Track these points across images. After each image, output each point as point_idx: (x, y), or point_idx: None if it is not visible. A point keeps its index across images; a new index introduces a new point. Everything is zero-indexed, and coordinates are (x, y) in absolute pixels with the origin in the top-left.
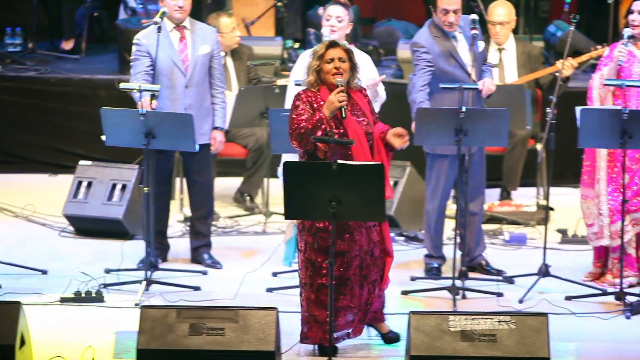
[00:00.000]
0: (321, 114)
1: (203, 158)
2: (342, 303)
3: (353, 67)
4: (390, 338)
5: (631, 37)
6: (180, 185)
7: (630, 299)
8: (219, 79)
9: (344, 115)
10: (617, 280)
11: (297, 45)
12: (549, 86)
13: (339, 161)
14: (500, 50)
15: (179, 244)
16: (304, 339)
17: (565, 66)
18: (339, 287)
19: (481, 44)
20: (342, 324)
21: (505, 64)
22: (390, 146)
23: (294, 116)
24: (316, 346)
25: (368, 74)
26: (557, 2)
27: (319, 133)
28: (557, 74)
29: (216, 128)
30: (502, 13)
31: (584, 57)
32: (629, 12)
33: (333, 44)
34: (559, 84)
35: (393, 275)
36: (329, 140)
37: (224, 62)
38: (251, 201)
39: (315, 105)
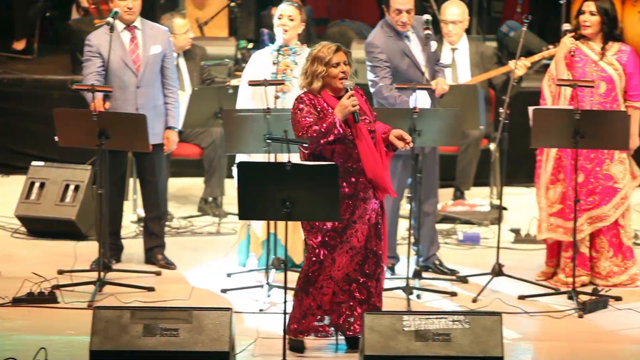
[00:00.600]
0: (334, 118)
1: (156, 158)
2: (341, 299)
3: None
4: (354, 341)
5: (570, 30)
6: (133, 185)
7: (582, 297)
8: (171, 79)
9: (357, 120)
10: (570, 280)
11: (250, 45)
12: (502, 86)
13: (293, 161)
14: (453, 50)
15: (133, 244)
16: (296, 332)
17: (518, 66)
18: (340, 285)
19: (434, 44)
20: (335, 320)
21: (458, 63)
22: (392, 146)
23: (301, 120)
24: (337, 346)
25: None
26: (509, 2)
27: (332, 136)
28: (510, 74)
29: (169, 128)
30: (454, 12)
31: (536, 57)
32: (580, 12)
33: (338, 49)
34: (511, 84)
35: None
36: (283, 140)
37: (176, 62)
38: (216, 205)
39: (319, 108)
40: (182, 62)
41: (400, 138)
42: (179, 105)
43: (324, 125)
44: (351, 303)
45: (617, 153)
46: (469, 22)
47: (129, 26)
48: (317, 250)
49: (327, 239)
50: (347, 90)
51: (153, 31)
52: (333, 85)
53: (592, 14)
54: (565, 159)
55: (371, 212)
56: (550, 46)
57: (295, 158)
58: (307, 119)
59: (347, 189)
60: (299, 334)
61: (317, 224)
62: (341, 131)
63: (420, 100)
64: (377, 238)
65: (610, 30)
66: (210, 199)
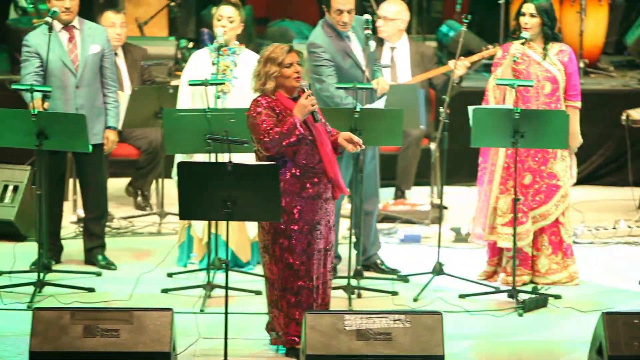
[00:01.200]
0: (294, 118)
1: (96, 158)
2: (316, 301)
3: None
4: None
5: (515, 59)
6: (73, 186)
7: (522, 296)
8: (110, 79)
9: (317, 119)
10: (511, 279)
11: (191, 45)
12: (442, 86)
13: (234, 161)
14: (392, 49)
15: (73, 245)
16: (289, 342)
17: (458, 66)
18: (317, 288)
19: (372, 44)
20: None
21: (398, 63)
22: (338, 148)
23: (259, 122)
24: (278, 347)
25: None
26: (449, 2)
27: (294, 137)
28: (450, 74)
29: (109, 127)
30: (387, 9)
31: (475, 57)
32: (520, 14)
33: (290, 49)
34: (452, 84)
35: None
36: (223, 140)
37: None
38: (143, 199)
39: (277, 110)
40: (122, 62)
41: (350, 141)
42: (118, 105)
43: (285, 126)
44: (323, 306)
45: (560, 151)
46: (409, 22)
47: (67, 26)
48: (285, 255)
49: (294, 243)
50: (304, 91)
51: (91, 30)
52: (287, 86)
53: (532, 15)
54: (512, 165)
55: (331, 214)
56: (490, 46)
57: (236, 158)
58: (267, 121)
59: (311, 189)
60: (291, 341)
61: (282, 228)
62: (302, 131)
63: (379, 102)
64: (333, 234)
65: (551, 31)
66: (138, 190)
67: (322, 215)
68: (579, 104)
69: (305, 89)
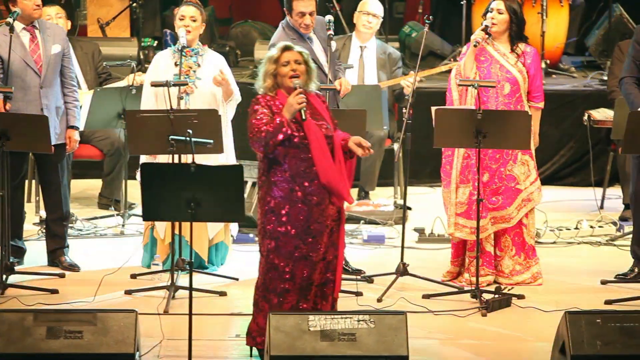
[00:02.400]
0: (282, 117)
1: (59, 159)
2: (305, 307)
3: (309, 71)
4: None
5: (487, 32)
6: (35, 187)
7: (486, 296)
8: (70, 78)
9: (304, 117)
10: (474, 279)
11: (155, 43)
12: (400, 92)
13: (197, 162)
14: (362, 47)
15: (36, 246)
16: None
17: (406, 85)
18: (303, 292)
19: (334, 44)
20: None
21: (366, 63)
22: (350, 154)
23: (254, 121)
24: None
25: (214, 73)
26: (411, 3)
27: (280, 136)
28: (404, 90)
29: (71, 127)
30: (376, 6)
31: (432, 71)
32: (488, 10)
33: (287, 47)
34: (410, 96)
35: (252, 275)
36: (186, 141)
37: None
38: (116, 203)
39: (274, 109)
40: (73, 58)
41: (360, 145)
42: (79, 104)
43: (272, 125)
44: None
45: (520, 154)
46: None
47: (28, 26)
48: (271, 256)
49: (280, 244)
50: (295, 89)
51: (51, 30)
52: (285, 85)
53: (500, 12)
54: (473, 157)
55: (329, 219)
56: (446, 61)
57: (198, 159)
58: (259, 120)
59: (299, 192)
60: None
61: (269, 228)
62: (289, 132)
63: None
64: (330, 245)
65: (519, 31)
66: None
67: (315, 220)
68: (541, 104)
69: (298, 87)
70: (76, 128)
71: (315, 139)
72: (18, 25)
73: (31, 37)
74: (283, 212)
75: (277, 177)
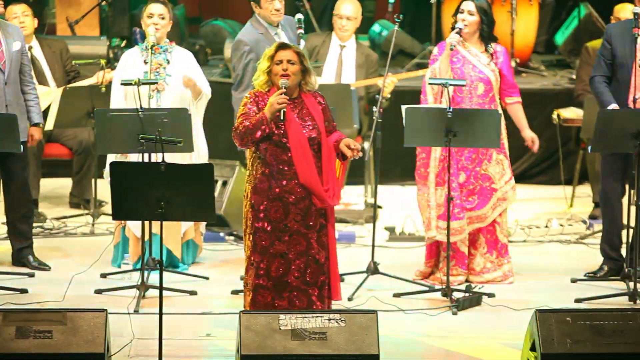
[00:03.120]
0: (262, 115)
1: (22, 156)
2: (280, 305)
3: (305, 70)
4: None
5: (452, 48)
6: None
7: (456, 295)
8: (29, 75)
9: (282, 118)
10: (457, 278)
11: (124, 43)
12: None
13: (167, 161)
14: (341, 47)
15: (3, 245)
16: None
17: (387, 84)
18: (277, 289)
19: (302, 43)
20: None
21: (345, 62)
22: (342, 155)
23: (239, 115)
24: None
25: (184, 73)
26: (381, 2)
27: (259, 133)
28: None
29: (35, 124)
30: (349, 8)
31: (405, 75)
32: (459, 11)
33: (284, 46)
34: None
35: (223, 274)
36: (156, 140)
37: (31, 55)
38: (87, 204)
39: (261, 105)
40: (40, 56)
41: (349, 147)
42: (39, 100)
43: (252, 122)
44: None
45: (495, 154)
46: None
47: None
48: (249, 251)
49: (257, 240)
50: (280, 89)
51: (10, 28)
52: (276, 83)
53: (470, 13)
54: (442, 166)
55: (312, 217)
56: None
57: (168, 158)
58: (243, 115)
59: (277, 189)
60: None
61: (248, 224)
62: (267, 130)
63: None
64: (319, 245)
65: (489, 31)
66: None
67: (292, 218)
68: (519, 98)
69: (283, 87)
70: (38, 125)
71: (295, 139)
72: None
73: None
74: (261, 207)
75: (258, 173)
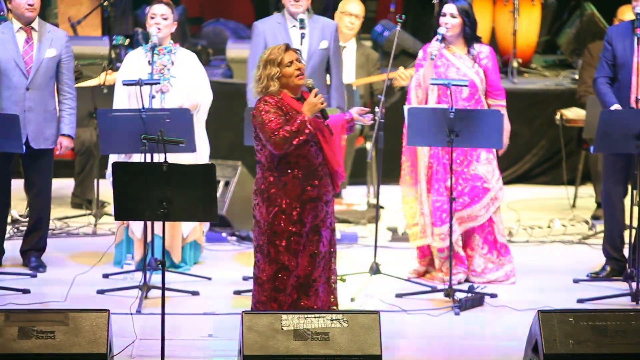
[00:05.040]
0: (303, 116)
1: (44, 163)
2: (306, 304)
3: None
4: None
5: (443, 39)
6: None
7: (459, 295)
8: (67, 85)
9: (326, 116)
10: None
11: (127, 42)
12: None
13: (170, 161)
14: (342, 48)
15: (7, 245)
16: None
17: (404, 76)
18: (305, 288)
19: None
20: None
21: (346, 62)
22: (350, 128)
23: (268, 122)
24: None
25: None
26: (383, 2)
27: (303, 136)
28: (392, 81)
29: (64, 135)
30: (357, 7)
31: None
32: (441, 14)
33: (287, 47)
34: (391, 89)
35: (226, 274)
36: (158, 140)
37: None
38: (90, 203)
39: (284, 109)
40: None
41: (361, 114)
42: (74, 112)
43: (295, 125)
44: (315, 308)
45: (484, 153)
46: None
47: (26, 26)
48: (281, 257)
49: (292, 245)
50: (310, 88)
51: (51, 34)
52: (291, 85)
53: (452, 16)
54: (436, 164)
55: (331, 216)
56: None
57: (170, 158)
58: (275, 120)
59: (312, 192)
60: None
61: (282, 227)
62: (312, 130)
63: None
64: (332, 242)
65: (472, 32)
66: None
67: (323, 217)
68: (503, 102)
69: (312, 86)
70: (69, 136)
71: (324, 135)
72: (15, 25)
73: (27, 38)
74: (294, 212)
75: (287, 177)
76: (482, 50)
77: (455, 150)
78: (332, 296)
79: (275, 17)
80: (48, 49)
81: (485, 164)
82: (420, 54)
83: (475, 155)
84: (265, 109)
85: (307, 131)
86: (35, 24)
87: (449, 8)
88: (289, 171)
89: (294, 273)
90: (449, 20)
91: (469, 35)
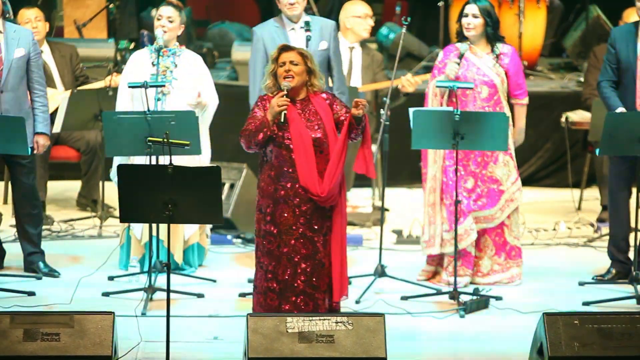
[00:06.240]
0: (264, 118)
1: (26, 162)
2: (286, 309)
3: (310, 71)
4: None
5: (462, 55)
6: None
7: (464, 298)
8: (38, 82)
9: (282, 120)
10: (453, 279)
11: (132, 45)
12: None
13: (175, 164)
14: (351, 49)
15: (12, 248)
16: None
17: (410, 83)
18: (284, 293)
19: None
20: None
21: (354, 64)
22: (357, 120)
23: (247, 120)
24: None
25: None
26: (388, 5)
27: (260, 136)
28: (399, 87)
29: (38, 133)
30: (366, 6)
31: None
32: (463, 15)
33: (286, 48)
34: (397, 92)
35: (230, 277)
36: (164, 142)
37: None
38: (95, 205)
39: (267, 109)
40: (50, 60)
41: (355, 106)
42: (47, 109)
43: (255, 124)
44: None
45: (502, 155)
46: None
47: None
48: (258, 254)
49: (265, 243)
50: (282, 90)
51: (16, 34)
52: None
53: (474, 16)
54: (450, 169)
55: (318, 220)
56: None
57: (176, 160)
58: (252, 118)
59: (282, 192)
60: None
61: (257, 227)
62: (269, 132)
63: None
64: (326, 249)
65: (494, 32)
66: (90, 199)
67: (298, 221)
68: (526, 100)
69: (284, 89)
70: (44, 134)
71: (299, 140)
72: None
73: None
74: (268, 210)
75: (264, 175)
76: (505, 50)
77: (473, 151)
78: (317, 305)
79: (272, 22)
80: (16, 49)
81: (502, 167)
82: (440, 55)
83: (494, 157)
84: (253, 107)
85: (264, 130)
86: None
87: (471, 9)
88: (266, 171)
89: (274, 276)
90: (472, 21)
91: (492, 35)
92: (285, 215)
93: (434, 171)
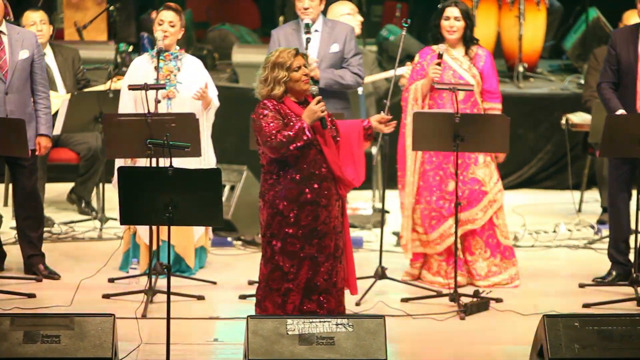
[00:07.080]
0: (302, 123)
1: (28, 164)
2: (309, 308)
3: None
4: None
5: (441, 55)
6: (13, 191)
7: (464, 300)
8: (41, 84)
9: (325, 126)
10: (444, 280)
11: (131, 48)
12: (384, 93)
13: (175, 166)
14: None
15: (12, 250)
16: None
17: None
18: (307, 292)
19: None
20: None
21: None
22: (371, 135)
23: (265, 125)
24: None
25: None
26: (389, 6)
27: (301, 142)
28: (395, 79)
29: (40, 135)
30: (350, 6)
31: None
32: (444, 17)
33: (297, 52)
34: (397, 88)
35: (231, 279)
36: (164, 145)
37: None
38: (86, 205)
39: (283, 113)
40: (52, 62)
41: (381, 122)
42: (49, 111)
43: (293, 130)
44: (320, 312)
45: (482, 156)
46: None
47: None
48: (276, 257)
49: (288, 246)
50: (314, 96)
51: (20, 36)
52: (297, 90)
53: (457, 19)
54: (430, 173)
55: (335, 220)
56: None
57: (176, 162)
58: (273, 124)
59: (310, 195)
60: None
61: (275, 230)
62: (310, 136)
63: None
64: (342, 247)
65: (471, 34)
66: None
67: (324, 221)
68: (499, 105)
69: (315, 94)
70: (46, 136)
71: (329, 142)
72: None
73: None
74: (291, 214)
75: (285, 180)
76: (480, 53)
77: (453, 153)
78: (339, 302)
79: (290, 24)
80: (21, 51)
81: (483, 167)
82: (417, 57)
83: (474, 158)
84: (263, 112)
85: (305, 137)
86: (3, 27)
87: (453, 12)
88: (287, 174)
89: (296, 276)
90: (454, 24)
91: (469, 37)
92: (311, 216)
93: (411, 175)
